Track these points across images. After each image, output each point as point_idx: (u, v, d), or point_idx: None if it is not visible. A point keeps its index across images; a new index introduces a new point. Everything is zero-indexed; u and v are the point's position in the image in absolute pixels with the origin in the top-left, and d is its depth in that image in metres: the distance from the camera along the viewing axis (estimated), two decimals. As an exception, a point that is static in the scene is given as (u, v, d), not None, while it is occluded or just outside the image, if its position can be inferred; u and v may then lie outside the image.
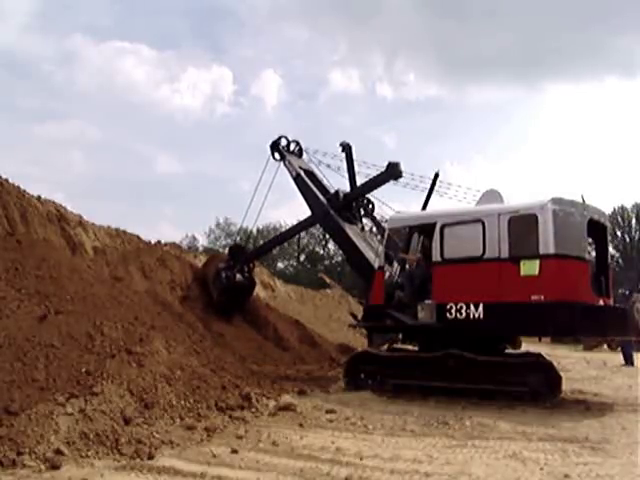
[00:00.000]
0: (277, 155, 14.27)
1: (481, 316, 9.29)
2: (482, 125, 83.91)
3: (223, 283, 14.58)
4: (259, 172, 14.21)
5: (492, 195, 10.31)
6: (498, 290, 9.22)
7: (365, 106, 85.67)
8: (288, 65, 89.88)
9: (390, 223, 11.45)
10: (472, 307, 9.38)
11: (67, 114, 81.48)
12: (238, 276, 14.78)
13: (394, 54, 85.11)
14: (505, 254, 9.25)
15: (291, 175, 13.86)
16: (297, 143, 14.59)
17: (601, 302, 9.50)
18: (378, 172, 12.53)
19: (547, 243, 8.90)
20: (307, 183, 13.46)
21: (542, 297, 8.81)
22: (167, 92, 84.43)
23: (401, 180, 12.28)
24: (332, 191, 13.28)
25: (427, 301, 9.94)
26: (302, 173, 13.65)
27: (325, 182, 13.72)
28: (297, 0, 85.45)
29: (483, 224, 9.51)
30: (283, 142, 14.40)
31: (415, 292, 10.44)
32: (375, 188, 12.65)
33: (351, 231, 12.45)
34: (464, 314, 9.45)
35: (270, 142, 14.32)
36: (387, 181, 12.29)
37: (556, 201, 9.06)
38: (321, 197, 13.10)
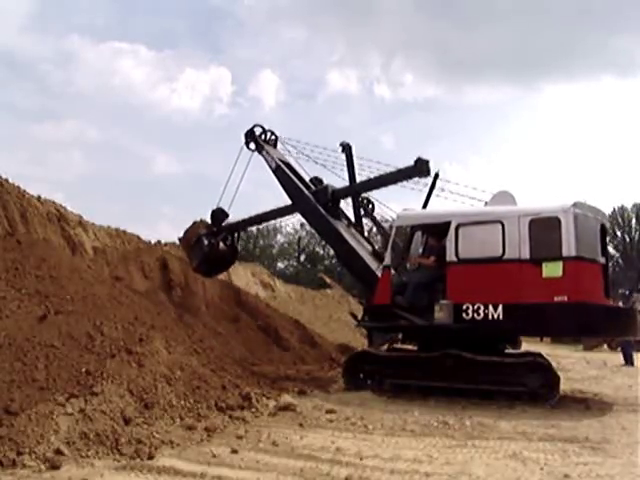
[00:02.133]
0: (252, 145, 13.53)
1: (501, 317, 9.32)
2: (480, 125, 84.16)
3: (204, 250, 13.35)
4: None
5: (504, 196, 10.33)
6: (519, 291, 9.28)
7: (363, 106, 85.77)
8: (286, 65, 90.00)
9: (399, 221, 11.13)
10: (491, 308, 9.40)
11: (66, 114, 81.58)
12: (221, 245, 13.59)
13: (392, 55, 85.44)
14: (526, 255, 9.28)
15: (270, 167, 13.07)
16: (272, 132, 13.83)
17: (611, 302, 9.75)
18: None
19: (569, 245, 9.04)
20: (288, 175, 12.78)
21: (565, 298, 8.94)
22: (165, 92, 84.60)
23: None
24: (307, 181, 12.73)
25: (443, 301, 9.83)
26: (282, 164, 13.00)
27: (302, 173, 13.09)
28: (295, 1, 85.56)
29: (503, 225, 9.52)
30: (258, 131, 13.63)
31: (417, 295, 10.33)
32: (397, 182, 11.75)
33: (341, 228, 11.99)
34: (482, 315, 9.45)
35: (245, 131, 13.60)
36: (412, 177, 11.56)
37: (577, 205, 9.28)
38: (305, 191, 12.43)
